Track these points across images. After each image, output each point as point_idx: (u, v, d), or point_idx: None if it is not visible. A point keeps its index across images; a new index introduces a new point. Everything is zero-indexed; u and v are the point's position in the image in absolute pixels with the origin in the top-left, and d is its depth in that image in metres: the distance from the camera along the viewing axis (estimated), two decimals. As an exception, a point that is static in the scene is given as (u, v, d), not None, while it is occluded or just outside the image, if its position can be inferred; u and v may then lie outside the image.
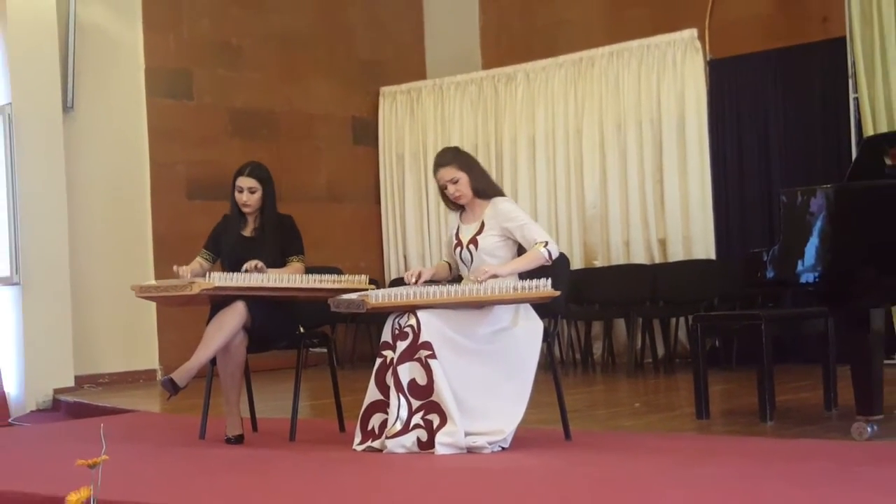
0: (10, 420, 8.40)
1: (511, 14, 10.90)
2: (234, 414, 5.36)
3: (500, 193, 5.12)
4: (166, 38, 9.72)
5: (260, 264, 5.26)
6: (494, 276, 4.75)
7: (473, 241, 4.97)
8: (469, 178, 5.00)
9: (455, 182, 4.99)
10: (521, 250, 4.97)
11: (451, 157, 5.08)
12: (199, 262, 5.52)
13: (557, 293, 4.73)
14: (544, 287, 4.69)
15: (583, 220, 9.77)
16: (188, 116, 9.82)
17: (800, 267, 4.86)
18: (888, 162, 4.90)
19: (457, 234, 5.07)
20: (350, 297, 4.83)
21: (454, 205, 5.11)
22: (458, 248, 5.03)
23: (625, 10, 10.00)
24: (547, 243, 4.85)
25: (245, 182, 5.48)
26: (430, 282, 4.96)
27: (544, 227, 4.99)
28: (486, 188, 5.06)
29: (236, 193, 5.50)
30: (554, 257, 4.86)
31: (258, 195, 5.48)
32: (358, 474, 4.30)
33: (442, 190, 5.08)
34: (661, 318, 9.04)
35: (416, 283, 4.90)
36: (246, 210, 5.51)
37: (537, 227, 4.97)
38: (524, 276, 4.82)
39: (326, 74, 10.75)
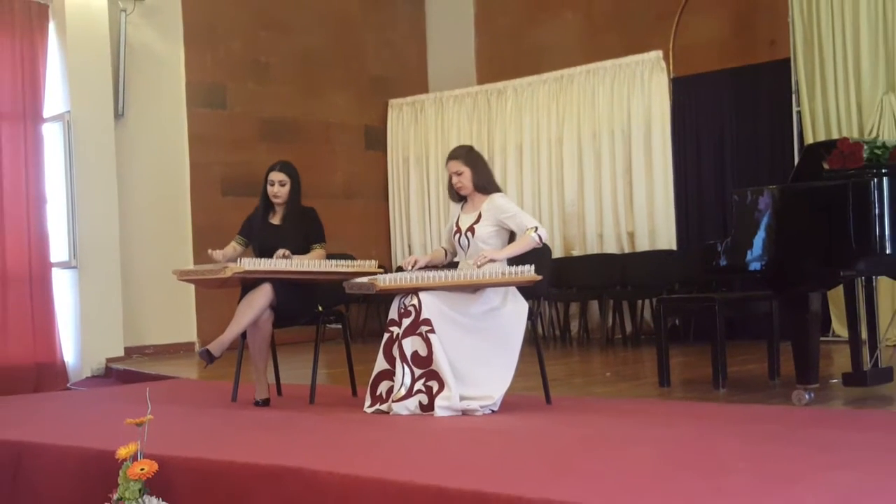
0: (68, 385, 8.42)
1: (502, 37, 10.90)
2: (261, 380, 5.37)
3: (498, 190, 5.10)
4: (204, 56, 9.70)
5: (287, 252, 5.27)
6: (492, 261, 4.76)
7: (471, 229, 4.97)
8: (472, 174, 5.01)
9: (459, 174, 5.00)
10: (512, 237, 4.97)
11: (462, 153, 5.08)
12: (233, 245, 5.51)
13: (540, 277, 4.73)
14: (528, 272, 4.70)
15: (562, 215, 9.78)
16: (223, 124, 9.81)
17: (749, 256, 4.87)
18: (826, 166, 4.90)
19: (457, 223, 5.06)
20: (362, 281, 4.83)
21: (457, 195, 5.11)
22: (458, 235, 5.03)
23: (599, 35, 10.00)
24: (536, 228, 4.85)
25: (277, 176, 5.48)
26: (426, 267, 4.97)
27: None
28: (486, 185, 5.04)
29: (268, 186, 5.48)
30: (544, 240, 4.87)
31: (287, 188, 5.47)
32: (368, 432, 4.30)
33: (449, 180, 5.08)
34: (629, 300, 9.04)
35: (412, 269, 4.91)
36: (276, 201, 5.50)
37: (527, 216, 4.97)
38: (512, 262, 4.82)
39: (342, 88, 10.74)
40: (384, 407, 4.71)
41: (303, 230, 5.47)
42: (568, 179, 9.71)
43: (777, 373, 5.67)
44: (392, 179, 11.10)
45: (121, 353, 8.76)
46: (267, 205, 5.54)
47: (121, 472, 3.58)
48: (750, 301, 6.09)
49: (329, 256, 5.48)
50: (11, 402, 6.52)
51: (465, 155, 5.07)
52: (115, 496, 3.57)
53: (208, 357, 5.06)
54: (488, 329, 4.73)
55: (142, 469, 3.54)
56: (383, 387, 4.76)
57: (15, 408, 6.08)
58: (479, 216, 4.97)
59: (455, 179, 5.03)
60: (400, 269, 5.10)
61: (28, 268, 8.45)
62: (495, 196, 5.01)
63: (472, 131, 10.39)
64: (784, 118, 8.32)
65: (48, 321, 8.54)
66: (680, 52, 9.19)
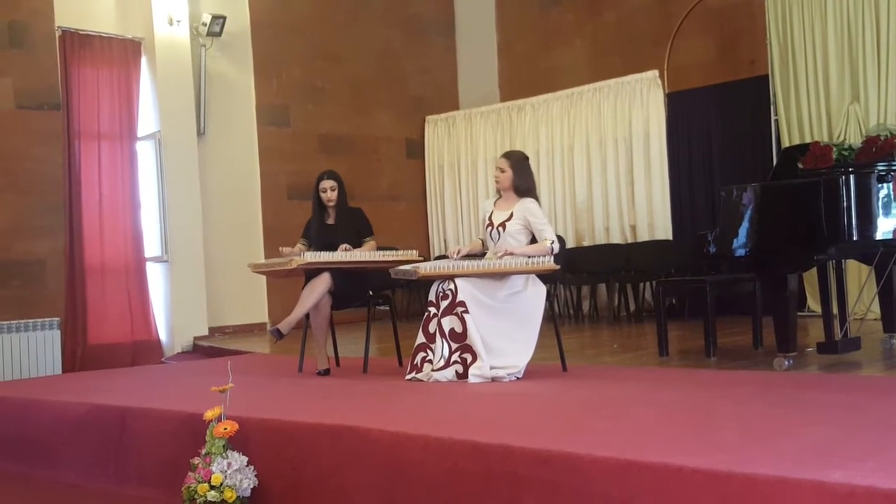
0: (162, 359, 8.52)
1: (521, 62, 10.86)
2: (322, 354, 5.41)
3: (533, 196, 4.98)
4: (271, 82, 9.75)
5: (348, 247, 5.31)
6: (511, 255, 4.76)
7: (502, 224, 4.93)
8: (512, 175, 4.95)
9: (502, 171, 4.96)
10: (533, 239, 4.92)
11: (511, 154, 5.03)
12: (299, 245, 5.56)
13: (557, 267, 4.72)
14: (548, 262, 4.70)
15: (574, 211, 9.74)
16: (287, 139, 9.85)
17: (735, 244, 4.83)
18: (800, 166, 4.85)
19: (490, 217, 5.01)
20: (406, 269, 4.84)
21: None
22: (490, 228, 4.98)
23: (604, 58, 9.95)
24: (553, 242, 4.82)
25: (327, 183, 5.52)
26: (467, 256, 4.97)
27: (548, 217, 4.97)
28: (524, 189, 4.95)
29: (321, 193, 5.52)
30: (555, 252, 4.79)
31: (337, 192, 5.52)
32: (413, 396, 4.31)
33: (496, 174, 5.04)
34: (633, 283, 8.98)
35: (455, 257, 4.92)
36: (329, 204, 5.53)
37: (550, 230, 4.89)
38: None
39: (386, 107, 10.75)
40: (420, 375, 4.70)
41: (354, 226, 5.51)
42: (578, 181, 9.67)
43: (760, 343, 5.63)
44: (429, 183, 11.09)
45: (205, 332, 8.84)
46: (320, 208, 5.57)
47: (208, 431, 3.63)
48: (736, 282, 6.03)
49: (377, 248, 5.50)
50: (115, 374, 6.61)
51: (512, 156, 5.00)
52: (204, 451, 3.61)
53: (278, 334, 5.11)
54: (513, 309, 4.73)
55: (225, 428, 3.58)
56: (419, 358, 4.76)
57: (119, 378, 6.16)
58: (512, 215, 4.92)
59: (497, 174, 4.98)
60: (438, 258, 5.09)
61: (125, 262, 8.56)
62: (529, 201, 4.92)
63: (496, 142, 10.37)
64: (763, 125, 8.24)
65: (144, 306, 8.64)
66: (673, 72, 9.11)
